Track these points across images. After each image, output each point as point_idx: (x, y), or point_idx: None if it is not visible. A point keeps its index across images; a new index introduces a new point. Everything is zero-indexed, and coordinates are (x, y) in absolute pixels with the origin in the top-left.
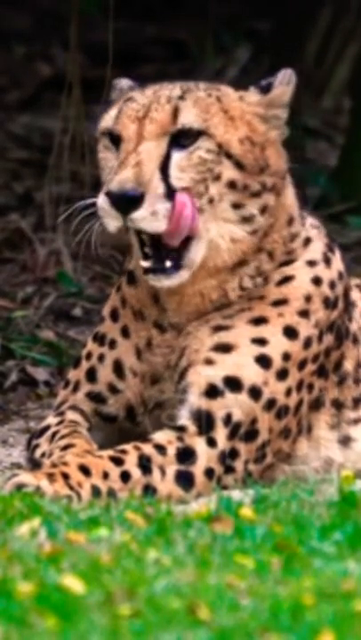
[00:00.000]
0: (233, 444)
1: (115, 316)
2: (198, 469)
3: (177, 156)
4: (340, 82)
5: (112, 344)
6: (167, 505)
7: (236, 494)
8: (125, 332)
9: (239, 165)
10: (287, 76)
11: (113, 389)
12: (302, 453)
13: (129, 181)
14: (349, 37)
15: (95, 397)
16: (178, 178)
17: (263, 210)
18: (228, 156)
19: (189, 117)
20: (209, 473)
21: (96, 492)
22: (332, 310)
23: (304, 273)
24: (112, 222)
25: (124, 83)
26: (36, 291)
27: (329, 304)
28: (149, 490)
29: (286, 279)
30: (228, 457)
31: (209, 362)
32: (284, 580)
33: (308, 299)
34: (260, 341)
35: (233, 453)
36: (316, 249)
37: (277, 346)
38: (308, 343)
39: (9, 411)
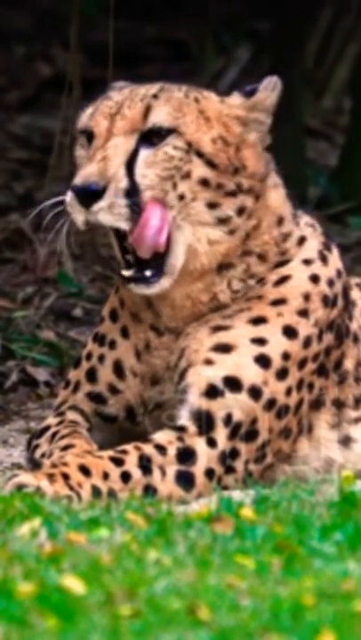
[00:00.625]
0: (233, 444)
1: (114, 316)
2: (199, 470)
3: (144, 153)
4: (341, 82)
5: (112, 344)
6: (168, 505)
7: (236, 495)
8: (125, 333)
9: (211, 164)
10: (272, 82)
11: (113, 390)
12: (303, 454)
13: (93, 175)
14: (350, 37)
15: (95, 398)
16: (142, 175)
17: (240, 211)
18: (199, 154)
19: (160, 116)
20: (209, 473)
21: (96, 492)
22: (332, 309)
23: (301, 271)
24: (78, 217)
25: (120, 85)
26: (36, 291)
27: (328, 302)
28: (150, 490)
29: (283, 279)
30: (229, 457)
31: (209, 362)
32: (284, 580)
33: (306, 297)
34: (260, 341)
35: (233, 453)
36: (312, 247)
37: (277, 345)
38: (307, 342)
39: (9, 411)
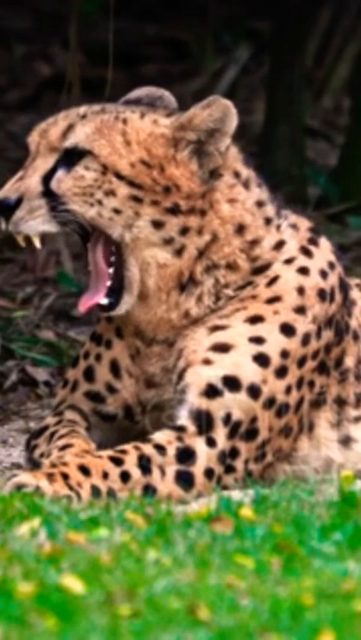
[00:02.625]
0: (233, 444)
1: (109, 316)
2: (198, 469)
3: (59, 173)
4: (340, 82)
5: (108, 344)
6: (167, 505)
7: (236, 494)
8: (119, 333)
9: (134, 184)
10: (207, 100)
11: (111, 389)
12: (303, 453)
13: (8, 191)
14: (349, 37)
15: (94, 397)
16: (57, 186)
17: (184, 231)
18: (119, 176)
19: (79, 137)
20: (209, 473)
21: (96, 492)
22: (330, 304)
23: (286, 270)
24: (2, 224)
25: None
26: (36, 291)
27: (325, 296)
28: (149, 490)
29: (273, 280)
30: (229, 456)
31: (207, 362)
32: (284, 580)
33: (300, 291)
34: (258, 340)
35: (233, 453)
36: (291, 248)
37: (275, 344)
38: (306, 340)
39: (9, 411)
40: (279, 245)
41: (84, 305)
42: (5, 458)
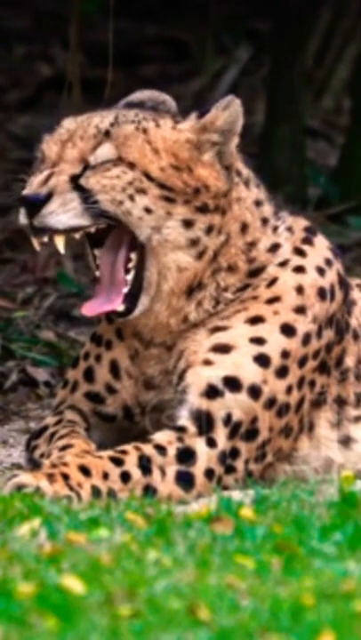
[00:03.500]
0: (233, 444)
1: (109, 317)
2: (198, 470)
3: (88, 172)
4: (340, 82)
5: (108, 345)
6: (167, 505)
7: (236, 495)
8: (120, 334)
9: (165, 187)
10: (225, 102)
11: (110, 389)
12: (303, 453)
13: (38, 188)
14: (349, 37)
15: (94, 397)
16: (87, 182)
17: (209, 230)
18: (150, 178)
19: (108, 152)
20: (209, 473)
21: (96, 492)
22: (330, 302)
23: (282, 271)
24: (22, 218)
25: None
26: (36, 291)
27: (325, 295)
28: (149, 490)
29: (272, 281)
30: (229, 457)
31: (208, 363)
32: (284, 580)
33: (299, 290)
34: (258, 341)
35: (233, 453)
36: (285, 251)
37: (276, 344)
38: (307, 339)
39: (9, 411)
40: (274, 248)
41: (93, 311)
42: (6, 458)
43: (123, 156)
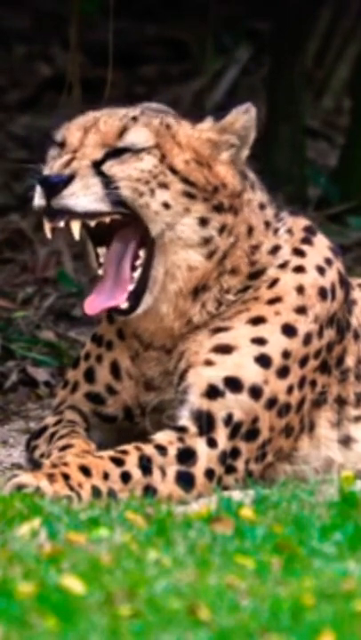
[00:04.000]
0: (234, 444)
1: (110, 317)
2: (199, 470)
3: (111, 160)
4: (341, 82)
5: (109, 345)
6: (167, 505)
7: (236, 495)
8: (121, 335)
9: (187, 181)
10: (244, 107)
11: (111, 390)
12: (303, 453)
13: (59, 169)
14: (349, 37)
15: (94, 398)
16: (109, 170)
17: (222, 229)
18: (174, 171)
19: (138, 137)
20: (209, 473)
21: (96, 492)
22: (331, 302)
23: (282, 273)
24: (37, 199)
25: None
26: (36, 291)
27: (326, 295)
28: (150, 490)
29: (273, 282)
30: (229, 457)
31: (209, 363)
32: (284, 580)
33: (300, 290)
34: (260, 341)
35: (234, 453)
36: (285, 253)
37: (277, 344)
38: (308, 339)
39: (9, 411)
40: (275, 250)
41: (95, 308)
42: (6, 458)
43: (150, 145)
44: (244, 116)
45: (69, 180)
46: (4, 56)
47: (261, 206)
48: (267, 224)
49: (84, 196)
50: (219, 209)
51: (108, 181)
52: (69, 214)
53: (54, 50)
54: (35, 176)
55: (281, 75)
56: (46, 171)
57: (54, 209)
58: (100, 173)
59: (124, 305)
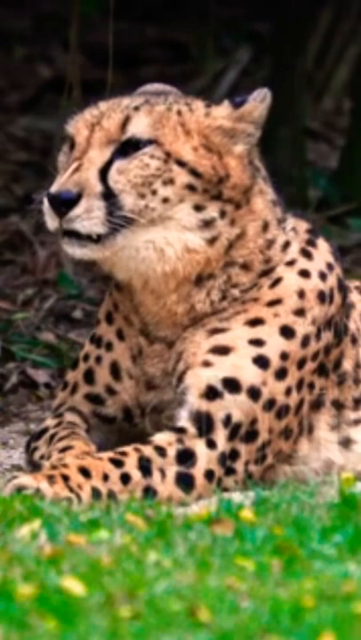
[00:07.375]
0: (233, 445)
1: (110, 318)
2: (198, 471)
3: (117, 163)
4: (341, 83)
5: (108, 346)
6: (167, 507)
7: (236, 496)
8: (120, 335)
9: (194, 173)
10: (262, 93)
11: (110, 391)
12: (303, 454)
13: (67, 184)
14: (350, 39)
15: (94, 399)
16: (115, 180)
17: (222, 214)
18: (181, 164)
19: (139, 127)
20: (209, 475)
21: (96, 494)
22: (329, 305)
23: (288, 272)
24: (50, 222)
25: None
26: (36, 293)
27: (324, 298)
28: (150, 492)
29: (276, 282)
30: (229, 458)
31: (207, 364)
32: (284, 582)
33: (300, 294)
34: (258, 342)
35: (233, 454)
36: (293, 250)
37: (275, 346)
38: (306, 341)
39: (9, 413)
40: (285, 247)
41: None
42: (6, 460)
43: (155, 137)
44: (262, 105)
45: (78, 198)
46: (3, 57)
47: (273, 202)
48: (279, 220)
49: (88, 219)
50: (216, 198)
51: (113, 207)
52: (77, 236)
53: (54, 51)
54: (44, 193)
55: (281, 76)
56: (54, 187)
57: (65, 229)
58: (106, 195)
59: (100, 229)
